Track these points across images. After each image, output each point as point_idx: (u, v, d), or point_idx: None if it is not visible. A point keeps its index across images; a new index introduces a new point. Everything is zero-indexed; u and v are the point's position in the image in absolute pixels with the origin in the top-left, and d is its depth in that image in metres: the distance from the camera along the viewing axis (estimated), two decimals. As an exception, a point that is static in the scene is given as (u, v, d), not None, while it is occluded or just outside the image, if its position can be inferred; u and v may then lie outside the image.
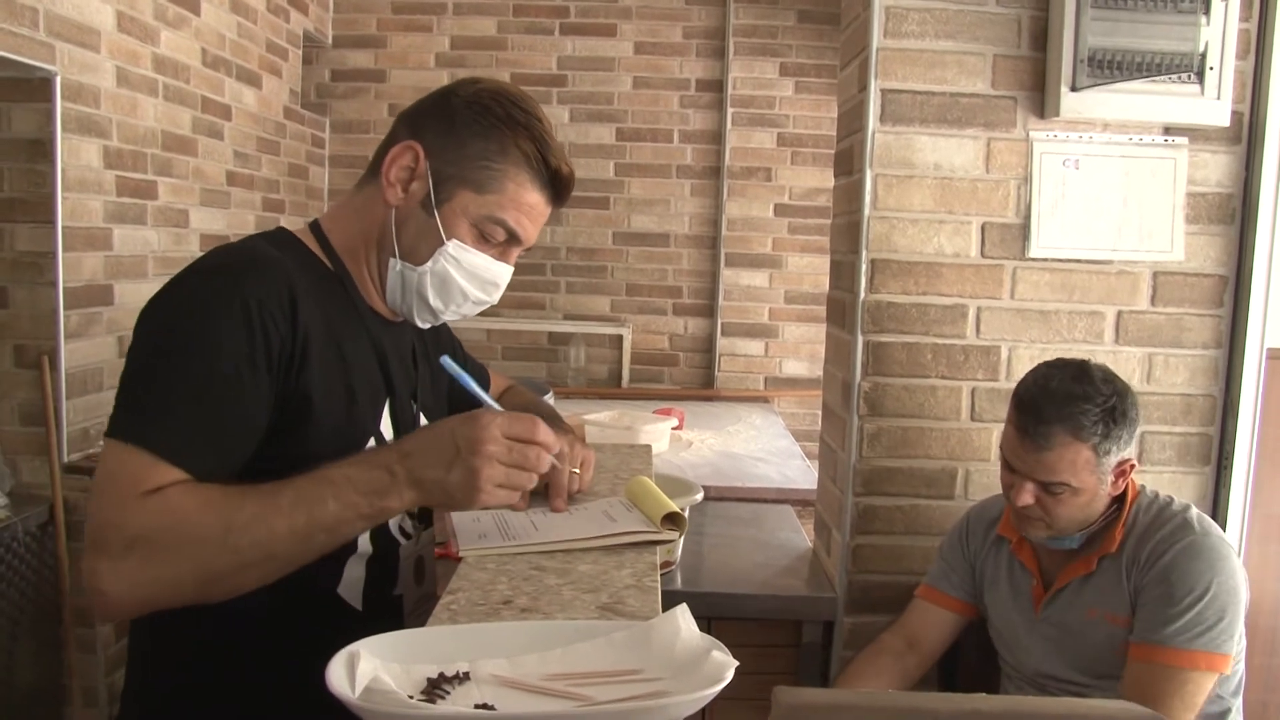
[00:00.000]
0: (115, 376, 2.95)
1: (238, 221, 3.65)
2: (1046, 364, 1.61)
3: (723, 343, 4.61)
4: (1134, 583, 1.54)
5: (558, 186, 1.16)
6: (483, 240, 1.14)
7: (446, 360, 1.15)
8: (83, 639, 2.69)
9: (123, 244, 2.88)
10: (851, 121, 2.03)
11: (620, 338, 4.61)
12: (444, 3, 4.51)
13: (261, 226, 3.87)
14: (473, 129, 1.11)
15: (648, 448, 1.69)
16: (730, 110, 4.52)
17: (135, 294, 2.96)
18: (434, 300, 1.16)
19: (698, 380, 4.65)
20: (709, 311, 4.62)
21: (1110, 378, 1.56)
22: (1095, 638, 1.58)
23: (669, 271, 4.62)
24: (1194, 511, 1.57)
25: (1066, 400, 1.51)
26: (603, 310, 4.63)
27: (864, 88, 1.93)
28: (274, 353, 1.00)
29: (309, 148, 4.36)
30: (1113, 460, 1.54)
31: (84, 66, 2.64)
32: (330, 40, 4.52)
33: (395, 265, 1.14)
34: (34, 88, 2.49)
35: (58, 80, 2.51)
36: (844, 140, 2.10)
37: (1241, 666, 1.57)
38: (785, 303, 4.60)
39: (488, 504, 0.99)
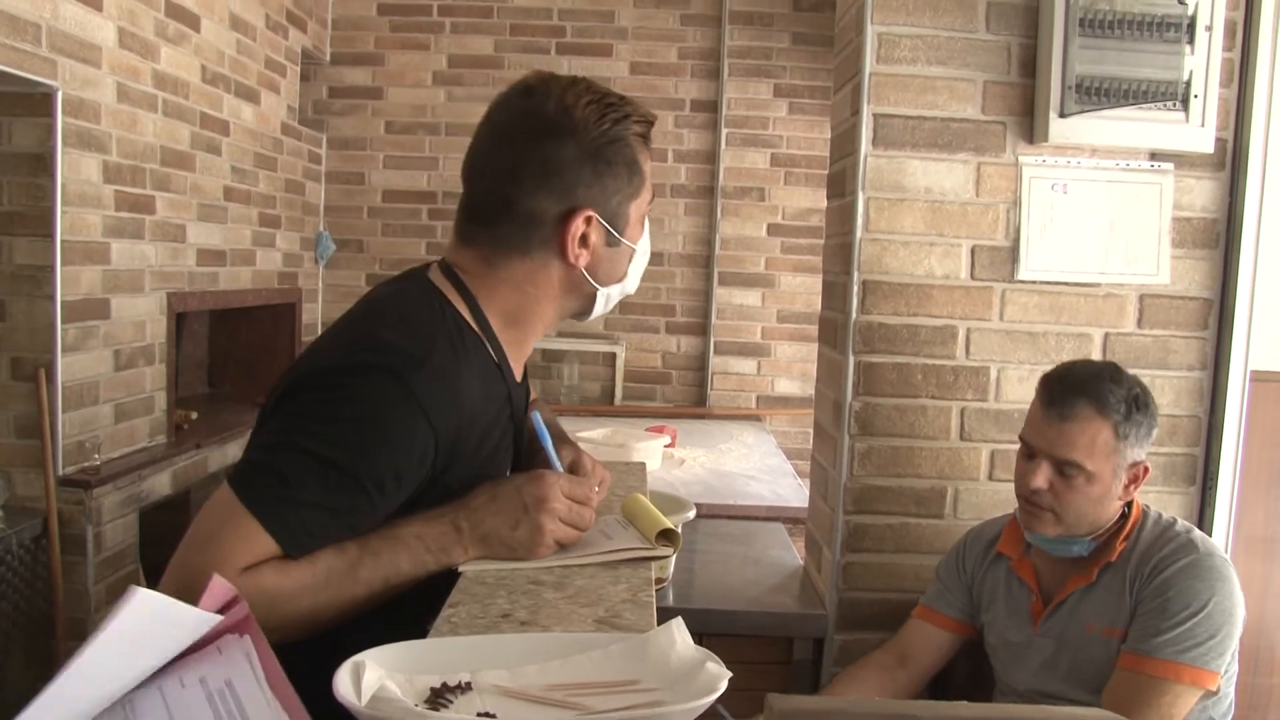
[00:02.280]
0: (112, 390, 2.98)
1: (234, 236, 3.66)
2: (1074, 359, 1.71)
3: (715, 361, 4.64)
4: (1135, 598, 1.56)
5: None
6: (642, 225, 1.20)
7: (536, 417, 1.19)
8: (74, 652, 2.68)
9: (120, 258, 2.89)
10: (844, 145, 2.06)
11: (613, 355, 4.63)
12: (441, 21, 4.54)
13: (259, 242, 3.88)
14: (612, 154, 1.10)
15: (642, 465, 1.70)
16: (724, 130, 4.57)
17: (132, 308, 2.97)
18: (632, 288, 1.22)
19: (690, 398, 4.67)
20: (702, 330, 4.65)
21: (1134, 378, 1.61)
22: (1093, 652, 1.59)
23: (662, 290, 4.65)
24: (1198, 533, 1.59)
25: (1094, 378, 1.58)
26: (596, 328, 4.64)
27: (856, 112, 1.96)
28: (425, 465, 1.02)
29: (306, 164, 4.38)
30: (1128, 453, 1.56)
31: (85, 82, 2.66)
32: (328, 57, 4.55)
33: (603, 294, 1.17)
34: (35, 103, 2.51)
35: (59, 95, 2.53)
36: (837, 163, 2.13)
37: (1232, 690, 1.58)
38: (777, 322, 4.64)
39: (542, 556, 1.06)
